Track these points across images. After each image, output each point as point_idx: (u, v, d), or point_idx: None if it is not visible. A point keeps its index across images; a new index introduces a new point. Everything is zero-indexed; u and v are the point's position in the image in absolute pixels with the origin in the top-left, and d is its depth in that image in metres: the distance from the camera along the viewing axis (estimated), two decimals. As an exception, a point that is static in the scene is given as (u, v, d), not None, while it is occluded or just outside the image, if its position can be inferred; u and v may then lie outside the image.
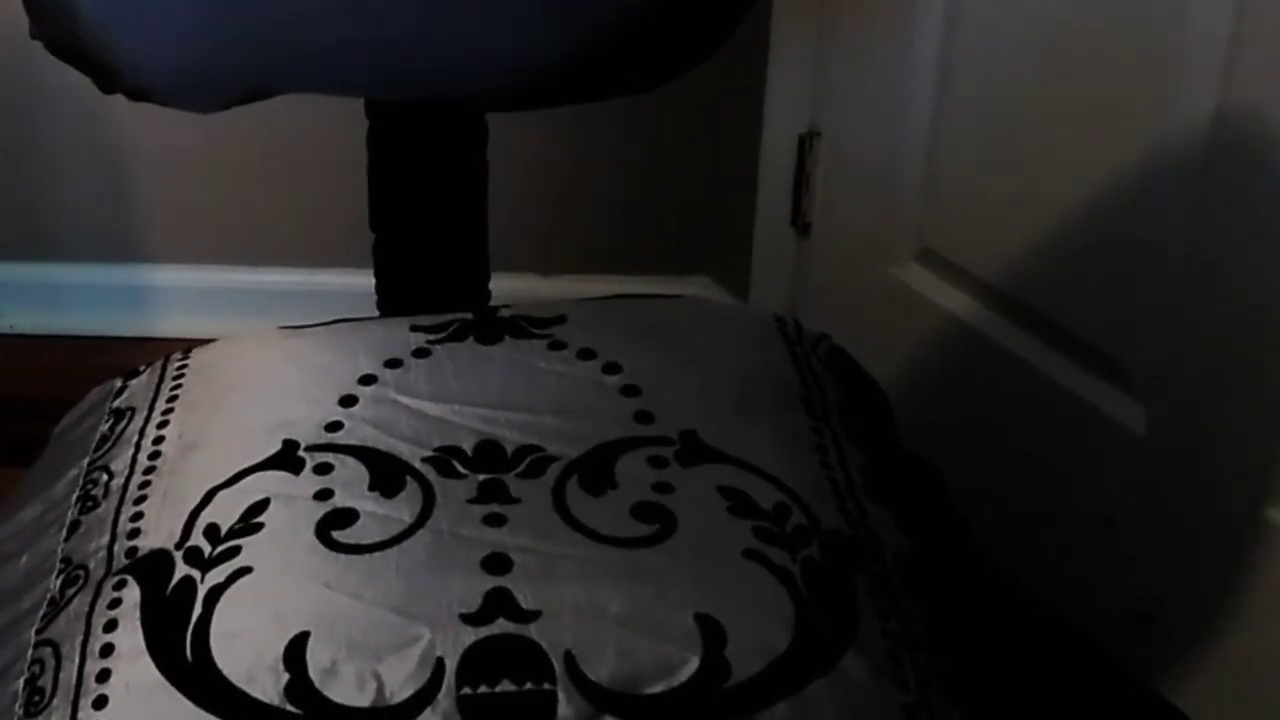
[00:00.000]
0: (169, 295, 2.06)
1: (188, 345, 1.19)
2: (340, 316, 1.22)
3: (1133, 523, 1.53)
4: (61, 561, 1.01)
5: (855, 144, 1.80)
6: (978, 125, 1.62)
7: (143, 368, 1.18)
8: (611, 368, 1.08)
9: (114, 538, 0.99)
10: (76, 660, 0.91)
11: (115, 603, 0.93)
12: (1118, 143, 1.46)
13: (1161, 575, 1.51)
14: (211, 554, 0.95)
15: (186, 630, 0.90)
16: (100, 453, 1.09)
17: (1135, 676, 1.54)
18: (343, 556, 0.94)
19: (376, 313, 1.35)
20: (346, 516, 0.96)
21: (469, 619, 0.89)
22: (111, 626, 0.92)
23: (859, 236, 1.81)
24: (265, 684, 0.87)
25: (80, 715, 0.88)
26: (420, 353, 1.10)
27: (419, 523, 0.96)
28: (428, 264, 1.32)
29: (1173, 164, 1.41)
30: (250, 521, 0.96)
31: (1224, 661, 1.47)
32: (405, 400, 1.06)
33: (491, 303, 1.31)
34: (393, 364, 1.09)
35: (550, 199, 2.00)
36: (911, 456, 1.14)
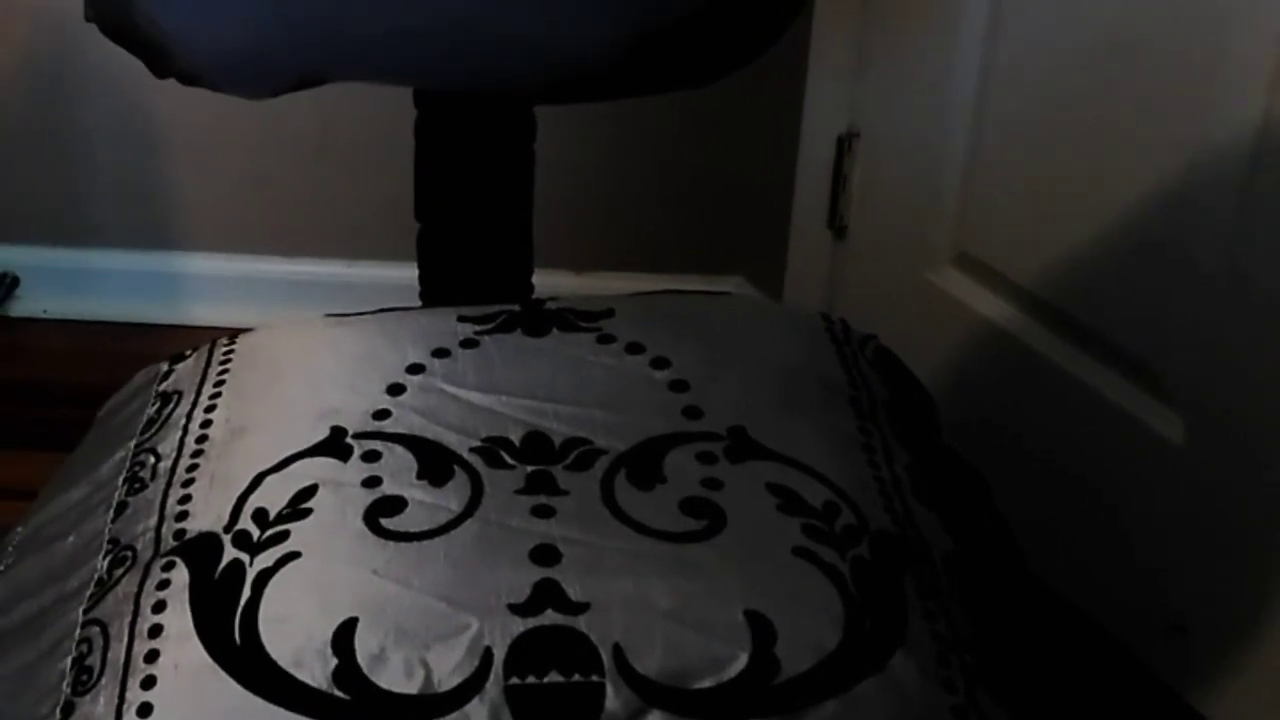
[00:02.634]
0: (202, 283, 2.06)
1: (231, 332, 1.19)
2: (374, 308, 1.21)
3: (1168, 532, 1.52)
4: (109, 542, 1.01)
5: (894, 146, 1.79)
6: (1018, 130, 1.62)
7: (189, 352, 1.18)
8: (660, 362, 1.08)
9: (162, 520, 0.99)
10: (125, 640, 0.91)
11: (164, 584, 0.94)
12: (1160, 150, 1.45)
13: (1196, 586, 1.50)
14: (260, 538, 0.95)
15: (235, 613, 0.90)
16: (147, 435, 1.10)
17: (1167, 687, 1.54)
18: (391, 544, 0.94)
19: (418, 304, 1.35)
20: (395, 504, 0.96)
21: (517, 609, 0.89)
22: (160, 608, 0.92)
23: (895, 239, 1.80)
24: (313, 668, 0.87)
25: (128, 695, 0.88)
26: (468, 343, 1.10)
27: (467, 512, 0.96)
28: (472, 256, 1.32)
29: (1215, 174, 1.40)
30: (299, 507, 0.97)
31: (1257, 674, 1.46)
32: (453, 390, 1.06)
33: (534, 296, 1.31)
34: (440, 354, 1.09)
35: (584, 195, 2.00)
36: (957, 458, 1.13)
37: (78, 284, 2.07)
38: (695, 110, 1.91)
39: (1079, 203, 1.56)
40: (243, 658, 0.88)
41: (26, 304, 2.09)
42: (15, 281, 2.08)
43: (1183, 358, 1.47)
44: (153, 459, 1.06)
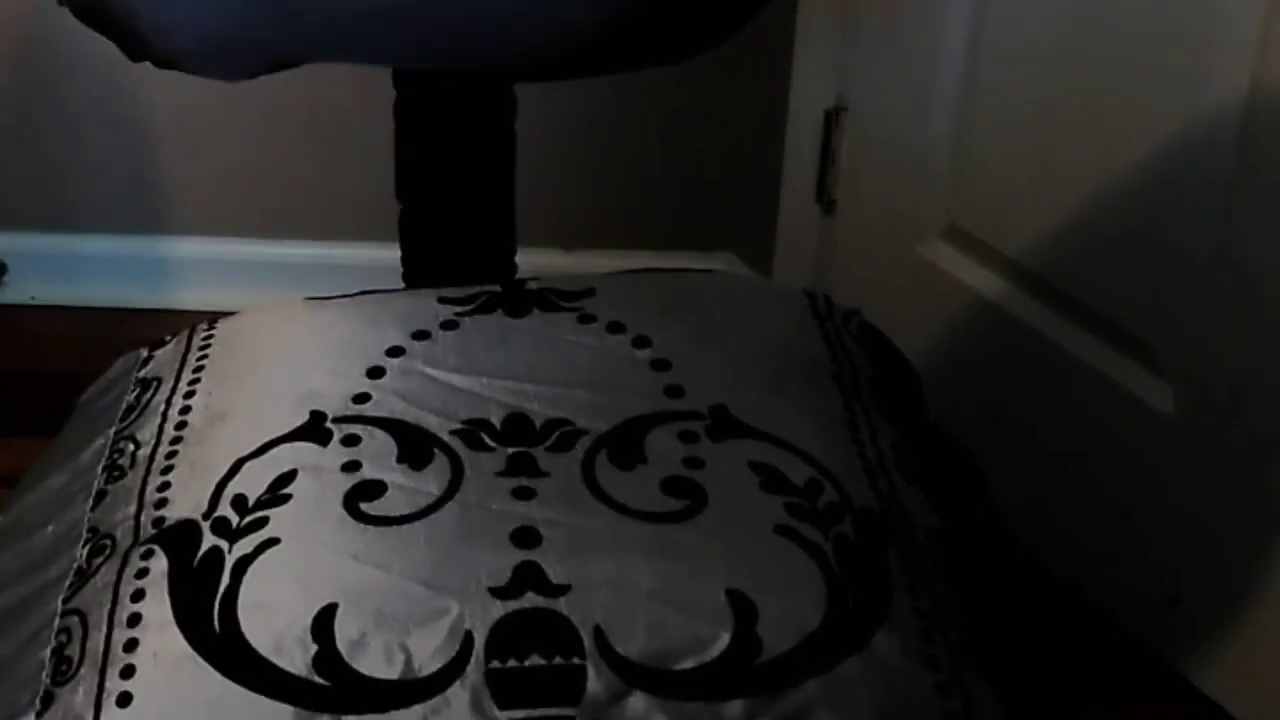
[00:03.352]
0: (190, 267, 2.06)
1: (212, 317, 1.18)
2: (361, 290, 1.21)
3: (1160, 504, 1.52)
4: (88, 531, 1.00)
5: (882, 119, 1.78)
6: (1007, 101, 1.61)
7: (168, 338, 1.17)
8: (641, 341, 1.08)
9: (141, 507, 0.99)
10: (104, 630, 0.91)
11: (143, 572, 0.93)
12: (1149, 122, 1.44)
13: (1188, 558, 1.50)
14: (239, 524, 0.94)
15: (214, 601, 0.90)
16: (127, 423, 1.09)
17: (1160, 658, 1.53)
18: (371, 528, 0.93)
19: (401, 285, 1.35)
20: (374, 488, 0.96)
21: (498, 592, 0.89)
22: (139, 596, 0.92)
23: (885, 213, 1.80)
24: (293, 655, 0.87)
25: (108, 684, 0.88)
26: (448, 325, 1.10)
27: (447, 495, 0.95)
28: (454, 236, 1.32)
29: (1205, 144, 1.39)
30: (278, 493, 0.96)
31: (1249, 645, 1.46)
32: (433, 372, 1.05)
33: (516, 276, 1.30)
34: (420, 336, 1.09)
35: (572, 173, 1.99)
36: (943, 434, 1.13)
37: (65, 270, 2.06)
38: (682, 86, 1.90)
39: (1069, 175, 1.55)
40: (222, 646, 0.88)
41: (14, 290, 2.08)
42: (2, 268, 2.07)
43: (1173, 328, 1.47)
44: (132, 446, 1.05)
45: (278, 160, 2.00)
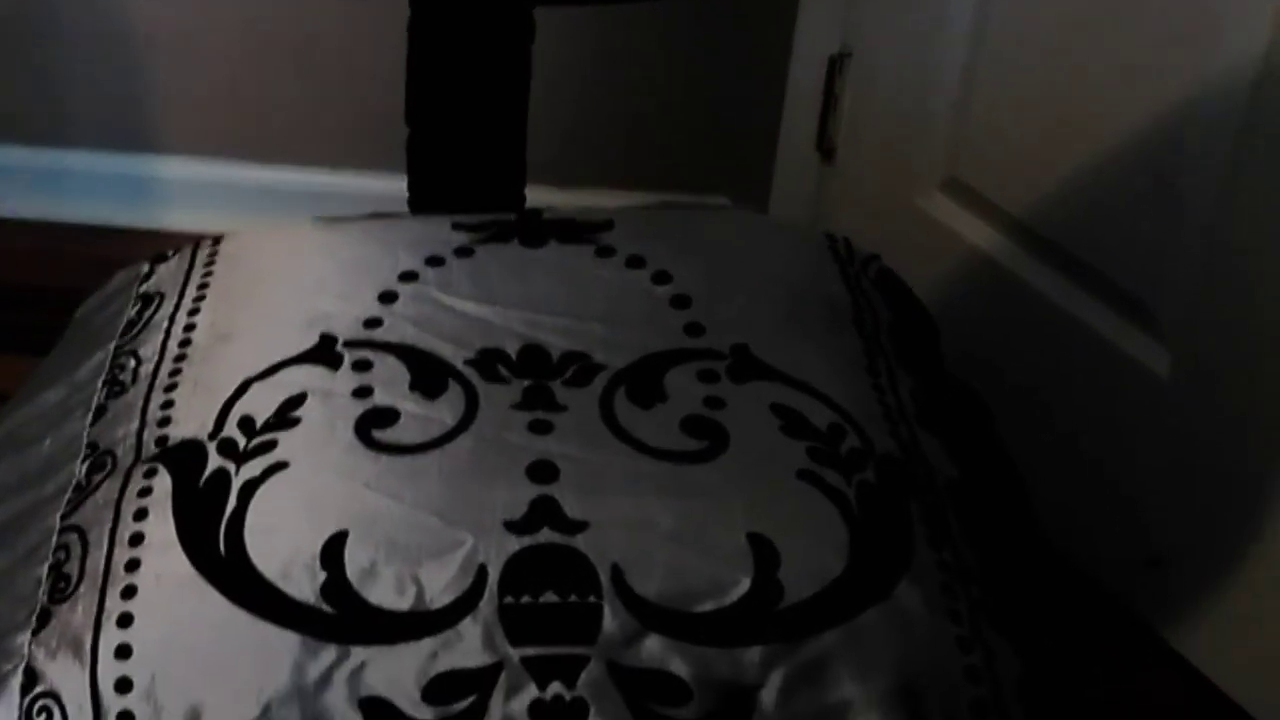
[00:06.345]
0: (177, 188, 2.01)
1: (215, 236, 1.15)
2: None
3: (1149, 466, 1.51)
4: (87, 447, 0.98)
5: (886, 67, 1.76)
6: (1013, 54, 1.59)
7: (170, 253, 1.14)
8: (661, 277, 1.06)
9: (144, 425, 0.96)
10: (104, 548, 0.89)
11: (145, 491, 0.91)
12: (1158, 80, 1.43)
13: (1174, 520, 1.50)
14: (246, 446, 0.92)
15: (220, 523, 0.88)
16: (128, 338, 1.06)
17: (1141, 621, 1.53)
18: (383, 456, 0.91)
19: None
20: (386, 416, 0.94)
21: (513, 527, 0.87)
22: (141, 515, 0.90)
23: (885, 163, 1.78)
24: (301, 581, 0.85)
25: (108, 604, 0.86)
26: (462, 251, 1.07)
27: (462, 426, 0.93)
28: (464, 163, 1.29)
29: (1213, 110, 1.38)
30: (286, 415, 0.94)
31: (1232, 610, 1.46)
32: (447, 299, 1.03)
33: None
34: (434, 261, 1.06)
35: (569, 109, 1.96)
36: (959, 384, 1.11)
37: (47, 184, 2.02)
38: (685, 26, 1.87)
39: (1073, 131, 1.53)
40: (227, 569, 0.86)
41: (-7, 203, 2.04)
42: (-17, 180, 2.03)
43: (1171, 291, 1.46)
44: (133, 362, 1.03)
45: (271, 81, 1.96)
